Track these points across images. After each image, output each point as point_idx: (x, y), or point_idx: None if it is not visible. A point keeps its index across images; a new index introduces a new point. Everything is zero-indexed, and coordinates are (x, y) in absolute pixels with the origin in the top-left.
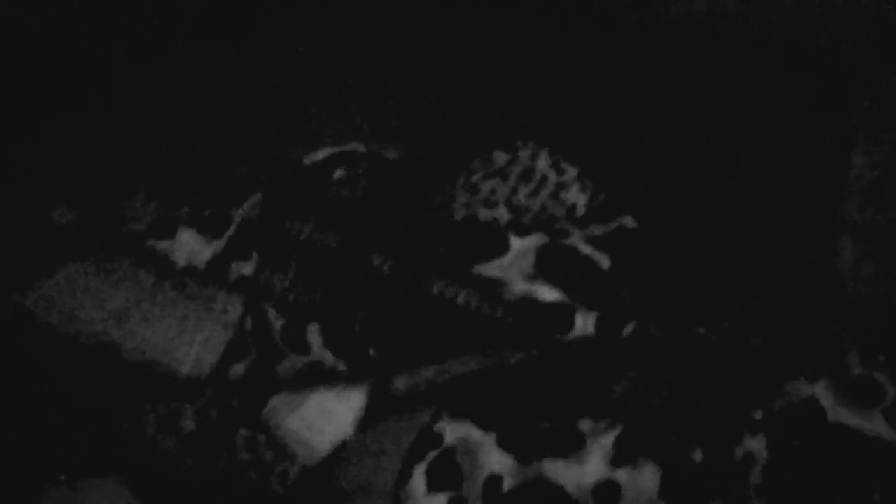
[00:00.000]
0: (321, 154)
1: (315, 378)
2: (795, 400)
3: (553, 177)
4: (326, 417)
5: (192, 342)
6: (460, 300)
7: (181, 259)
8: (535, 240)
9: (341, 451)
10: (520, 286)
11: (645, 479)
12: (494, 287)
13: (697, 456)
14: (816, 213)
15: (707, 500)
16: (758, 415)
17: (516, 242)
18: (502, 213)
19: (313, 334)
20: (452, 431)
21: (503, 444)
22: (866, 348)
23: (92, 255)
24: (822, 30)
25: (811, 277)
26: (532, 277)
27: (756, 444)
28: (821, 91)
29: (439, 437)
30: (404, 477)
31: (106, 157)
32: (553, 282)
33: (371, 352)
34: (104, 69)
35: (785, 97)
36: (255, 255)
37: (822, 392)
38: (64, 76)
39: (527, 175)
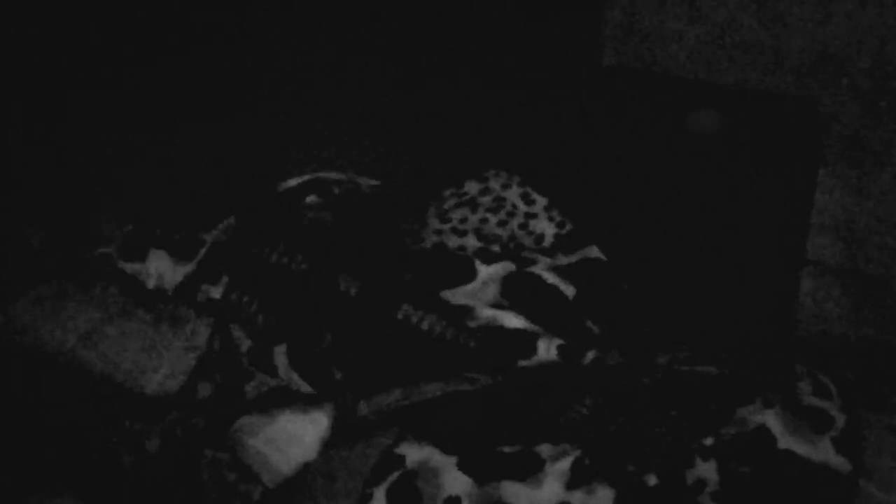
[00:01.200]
0: (294, 181)
1: (281, 399)
2: (747, 427)
3: (522, 207)
4: (291, 439)
5: (160, 363)
6: (425, 325)
7: (151, 281)
8: (501, 268)
9: (305, 473)
10: (485, 312)
11: (599, 502)
12: (460, 313)
13: (651, 480)
14: (781, 248)
15: None
16: (709, 441)
17: (483, 270)
18: (471, 242)
19: (280, 356)
20: (414, 454)
21: (463, 466)
22: (819, 378)
23: (62, 277)
24: (794, 82)
25: (768, 309)
26: (498, 304)
27: (707, 470)
28: (789, 134)
29: (401, 460)
30: (365, 497)
31: (78, 177)
32: (518, 309)
33: (337, 374)
34: (74, 87)
35: (755, 139)
36: (224, 277)
37: (772, 420)
38: (34, 94)
39: (497, 204)
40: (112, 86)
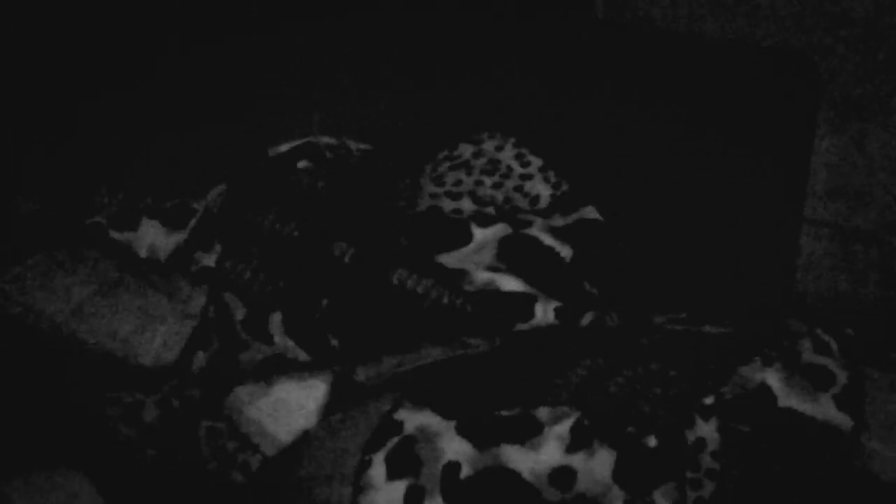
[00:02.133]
0: (285, 146)
1: (277, 368)
2: (747, 386)
3: (517, 168)
4: (288, 407)
5: (155, 333)
6: (421, 290)
7: (144, 250)
8: (497, 230)
9: (303, 441)
10: (481, 276)
11: (599, 464)
12: (456, 277)
13: (651, 441)
14: (778, 207)
15: (659, 483)
16: (709, 400)
17: (479, 233)
18: (466, 204)
19: (275, 324)
20: (412, 419)
21: (462, 431)
22: (818, 335)
23: (55, 247)
24: (793, 33)
25: (768, 268)
26: (494, 268)
27: (707, 430)
28: (785, 89)
29: (399, 425)
30: (364, 465)
31: (70, 147)
32: (514, 272)
33: (333, 341)
34: (68, 62)
35: (752, 96)
36: (217, 245)
37: (773, 378)
38: (27, 68)
39: (492, 167)
40: (109, 61)
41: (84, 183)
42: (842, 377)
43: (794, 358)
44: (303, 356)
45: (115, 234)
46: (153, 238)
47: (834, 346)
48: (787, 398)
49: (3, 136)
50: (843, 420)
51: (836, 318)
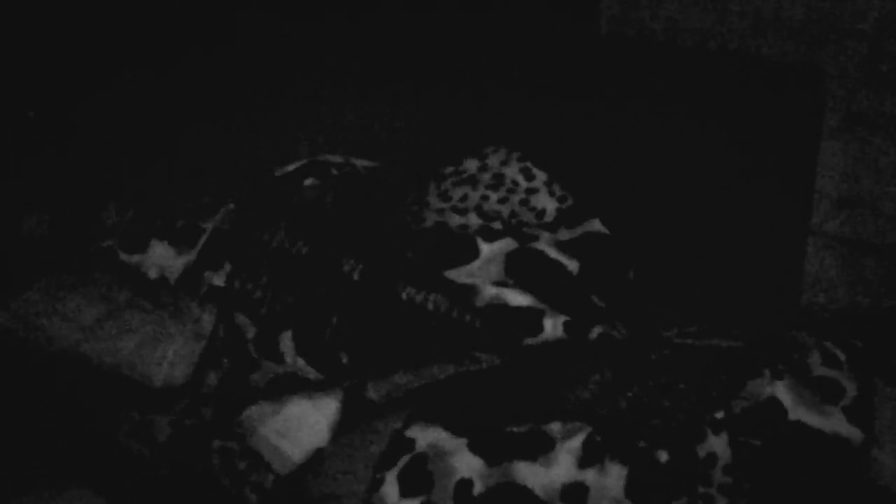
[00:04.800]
0: (292, 165)
1: (289, 386)
2: (757, 399)
3: (523, 182)
4: (300, 426)
5: (165, 353)
6: (430, 305)
7: (153, 271)
8: (504, 245)
9: (315, 459)
10: (489, 291)
11: (612, 479)
12: (464, 292)
13: (662, 456)
14: (784, 219)
15: (672, 498)
16: (720, 414)
17: (486, 248)
18: (472, 220)
19: (286, 342)
20: (424, 437)
21: (474, 448)
22: (827, 348)
23: (65, 270)
24: (798, 46)
25: (777, 280)
26: (501, 282)
27: (718, 444)
28: (790, 101)
29: (411, 443)
30: (377, 483)
31: (78, 165)
32: (522, 286)
33: (344, 358)
34: (77, 74)
35: (754, 107)
36: (226, 264)
37: (783, 391)
38: (34, 81)
39: (497, 181)
40: (114, 82)
41: (91, 197)
42: (851, 390)
43: (804, 371)
44: (314, 374)
45: (124, 257)
46: (162, 259)
47: (843, 358)
48: (797, 411)
49: (10, 158)
50: (852, 433)
51: (842, 331)
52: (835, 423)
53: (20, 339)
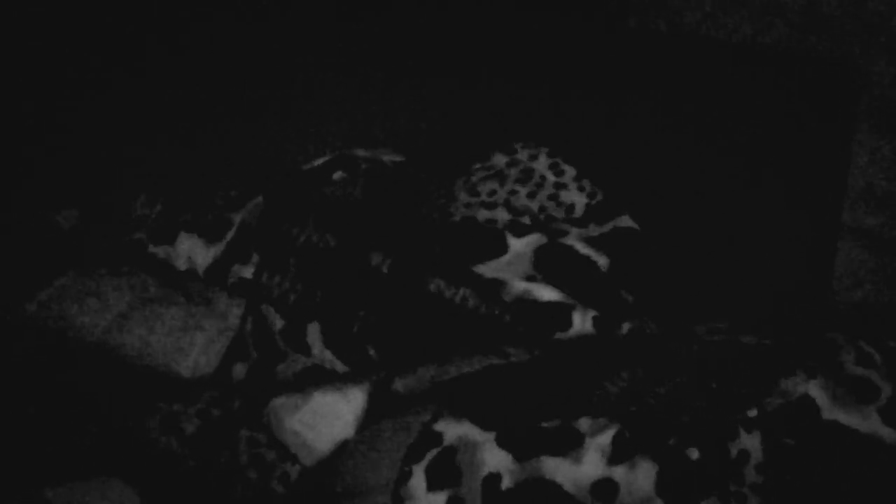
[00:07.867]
0: (320, 160)
1: (316, 378)
2: (790, 398)
3: (551, 177)
4: (327, 418)
5: (194, 345)
6: (458, 299)
7: (182, 263)
8: (533, 240)
9: (342, 451)
10: (518, 286)
11: (641, 476)
12: (493, 287)
13: (693, 454)
14: (816, 216)
15: (703, 497)
16: (753, 412)
17: (514, 243)
18: (501, 214)
19: (314, 335)
20: (452, 430)
21: (502, 442)
22: (861, 347)
23: (92, 261)
24: (833, 42)
25: (808, 277)
26: (530, 277)
27: (751, 442)
28: (823, 97)
29: (439, 437)
30: (404, 476)
31: (109, 157)
32: (551, 281)
33: (371, 351)
34: (108, 69)
35: (787, 102)
36: (255, 257)
37: (816, 390)
38: (66, 76)
39: (525, 176)
40: (146, 70)
41: (122, 190)
42: (886, 390)
43: (837, 370)
44: (341, 367)
45: (153, 248)
46: (191, 252)
47: (877, 358)
48: (832, 411)
49: (37, 150)
50: (888, 433)
51: (874, 329)
52: (870, 423)
53: (48, 330)
